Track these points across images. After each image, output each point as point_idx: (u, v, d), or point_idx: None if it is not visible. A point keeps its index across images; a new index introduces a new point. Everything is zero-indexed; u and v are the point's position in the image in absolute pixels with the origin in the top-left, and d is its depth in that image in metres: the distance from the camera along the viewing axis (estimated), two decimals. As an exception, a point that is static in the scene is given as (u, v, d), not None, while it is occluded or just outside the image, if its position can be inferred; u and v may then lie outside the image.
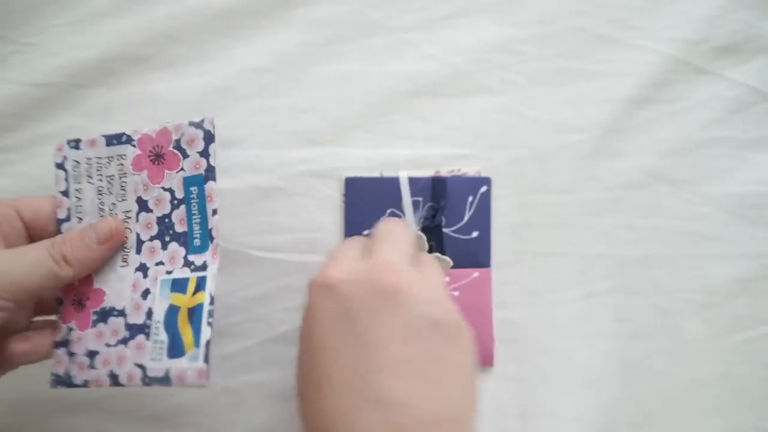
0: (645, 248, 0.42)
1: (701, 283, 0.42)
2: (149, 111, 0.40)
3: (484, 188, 0.41)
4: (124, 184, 0.33)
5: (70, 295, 0.34)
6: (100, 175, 0.33)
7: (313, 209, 0.41)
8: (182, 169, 0.31)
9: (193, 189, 0.31)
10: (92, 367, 0.33)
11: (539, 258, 0.41)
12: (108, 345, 0.32)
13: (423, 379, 0.27)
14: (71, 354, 0.33)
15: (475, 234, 0.41)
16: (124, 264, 0.33)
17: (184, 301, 0.31)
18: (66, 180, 0.34)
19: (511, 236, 0.41)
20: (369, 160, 0.41)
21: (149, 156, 0.32)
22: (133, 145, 0.32)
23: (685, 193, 0.42)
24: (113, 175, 0.33)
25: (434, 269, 0.33)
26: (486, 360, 0.41)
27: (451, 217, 0.41)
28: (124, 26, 0.40)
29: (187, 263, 0.31)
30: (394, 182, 0.41)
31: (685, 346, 0.41)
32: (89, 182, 0.33)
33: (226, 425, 0.40)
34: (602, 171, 0.42)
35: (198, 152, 0.31)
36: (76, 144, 0.34)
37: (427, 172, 0.41)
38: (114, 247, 0.33)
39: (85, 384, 0.33)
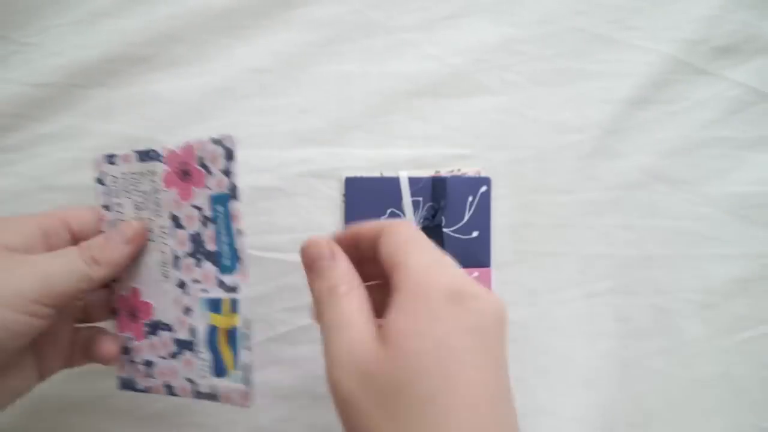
0: (645, 248, 0.42)
1: (701, 283, 0.42)
2: (150, 111, 0.40)
3: (484, 188, 0.41)
4: (157, 200, 0.32)
5: (124, 307, 0.34)
6: (136, 190, 0.33)
7: (313, 209, 0.41)
8: (208, 187, 0.30)
9: (219, 208, 0.30)
10: (150, 375, 0.33)
11: (539, 258, 0.41)
12: (162, 357, 0.33)
13: None
14: (131, 361, 0.34)
15: (475, 234, 0.41)
16: (166, 279, 0.32)
17: (221, 321, 0.30)
18: (106, 194, 0.34)
19: (511, 236, 0.41)
20: (369, 160, 0.41)
21: (177, 173, 0.31)
22: (162, 162, 0.32)
23: (685, 193, 0.42)
24: (147, 191, 0.32)
25: None
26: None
27: (451, 217, 0.41)
28: (124, 26, 0.40)
29: (220, 283, 0.30)
30: (394, 182, 0.41)
31: (684, 345, 0.42)
32: (127, 197, 0.33)
33: (227, 425, 0.40)
34: (602, 171, 0.42)
35: (220, 170, 0.29)
36: (111, 159, 0.33)
37: (427, 172, 0.41)
38: (138, 247, 0.33)
39: (147, 390, 0.34)
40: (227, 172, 0.29)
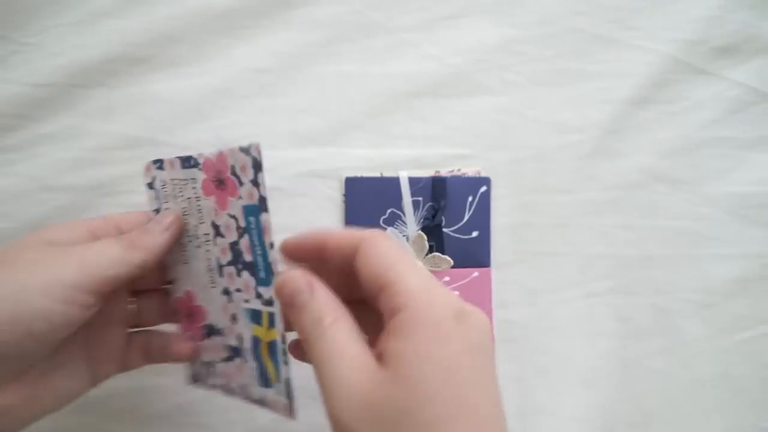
0: (644, 248, 0.42)
1: (701, 283, 0.42)
2: (150, 111, 0.40)
3: (483, 188, 0.41)
4: (199, 207, 0.32)
5: (182, 309, 0.34)
6: (182, 196, 0.33)
7: (313, 209, 0.41)
8: (240, 196, 0.30)
9: (251, 219, 0.29)
10: (215, 374, 0.34)
11: (539, 258, 0.41)
12: (220, 359, 0.33)
13: None
14: (197, 359, 0.35)
15: (475, 234, 0.41)
16: (213, 285, 0.32)
17: (262, 333, 0.30)
18: (157, 199, 0.34)
19: (511, 236, 0.41)
20: (369, 160, 0.41)
21: (213, 181, 0.31)
22: (200, 169, 0.31)
23: (685, 193, 0.42)
24: (191, 197, 0.32)
25: None
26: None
27: (451, 217, 0.41)
28: (124, 27, 0.40)
29: (258, 295, 0.30)
30: (394, 182, 0.41)
31: (684, 345, 0.42)
32: (174, 202, 0.33)
33: (226, 425, 0.40)
34: (602, 171, 0.42)
35: (250, 180, 0.29)
36: (160, 165, 0.33)
37: (427, 172, 0.41)
38: (175, 235, 0.32)
39: (213, 388, 0.34)
40: (256, 183, 0.28)
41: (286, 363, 0.29)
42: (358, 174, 0.41)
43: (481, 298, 0.41)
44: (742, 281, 0.42)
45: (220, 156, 0.30)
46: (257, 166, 0.28)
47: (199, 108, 0.40)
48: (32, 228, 0.39)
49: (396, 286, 0.25)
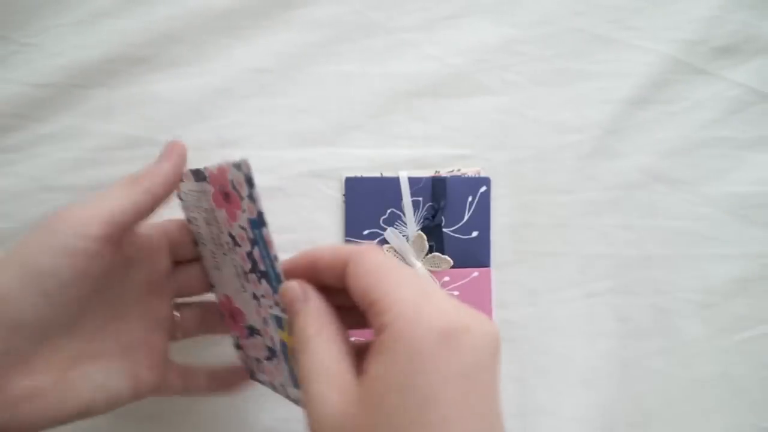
0: (644, 248, 0.42)
1: (700, 283, 0.42)
2: (150, 111, 0.40)
3: (483, 188, 0.41)
4: (216, 218, 0.32)
5: (225, 310, 0.35)
6: (201, 206, 0.33)
7: (313, 209, 0.41)
8: (243, 209, 0.30)
9: (257, 232, 0.29)
10: (262, 371, 0.34)
11: (539, 258, 0.41)
12: (264, 357, 0.33)
13: None
14: (247, 356, 0.35)
15: (474, 234, 0.41)
16: (244, 290, 0.32)
17: (286, 338, 0.30)
18: (185, 209, 0.34)
19: (511, 236, 0.41)
20: (369, 160, 0.41)
21: (221, 194, 0.31)
22: (208, 182, 0.31)
23: (685, 193, 0.42)
24: (207, 209, 0.32)
25: None
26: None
27: (451, 217, 0.41)
28: (124, 27, 0.40)
29: (276, 302, 0.30)
30: (394, 182, 0.41)
31: (684, 345, 0.42)
32: (198, 212, 0.33)
33: (227, 425, 0.40)
34: (602, 171, 0.42)
35: (246, 196, 0.29)
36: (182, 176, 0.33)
37: (427, 172, 0.41)
38: (177, 164, 0.31)
39: (264, 384, 0.35)
40: (252, 198, 0.28)
41: None
42: (358, 174, 0.41)
43: (481, 298, 0.41)
44: (742, 281, 0.42)
45: (220, 169, 0.30)
46: (250, 183, 0.28)
47: (199, 108, 0.40)
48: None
49: (381, 304, 0.24)
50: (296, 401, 0.32)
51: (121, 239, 0.30)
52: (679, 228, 0.42)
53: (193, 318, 0.35)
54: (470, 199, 0.41)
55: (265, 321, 0.32)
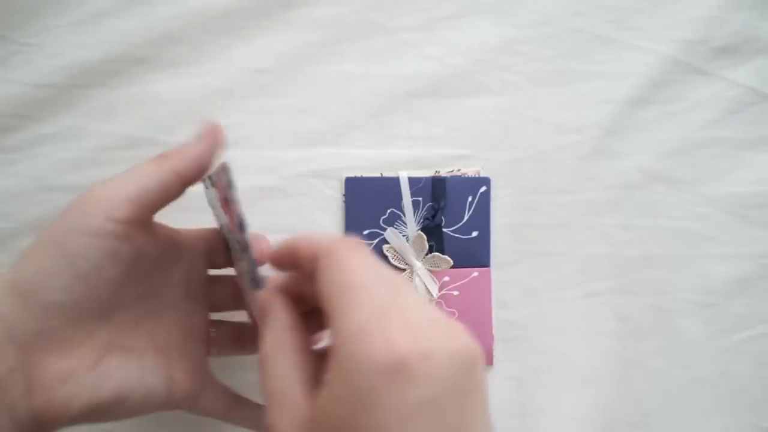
0: (644, 248, 0.42)
1: (700, 282, 0.42)
2: (150, 111, 0.40)
3: (483, 188, 0.41)
4: (227, 222, 0.32)
5: (252, 320, 0.34)
6: (219, 212, 0.33)
7: (313, 209, 0.41)
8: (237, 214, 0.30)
9: (246, 236, 0.29)
10: None
11: (539, 258, 0.41)
12: None
13: None
14: None
15: (474, 234, 0.41)
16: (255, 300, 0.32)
17: None
18: (212, 209, 0.34)
19: (511, 236, 0.41)
20: (369, 160, 0.41)
21: (221, 200, 0.31)
22: (215, 188, 0.31)
23: (684, 193, 0.42)
24: (219, 215, 0.32)
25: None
26: (485, 359, 0.41)
27: (451, 217, 0.41)
28: (125, 27, 0.40)
29: None
30: (394, 182, 0.41)
31: (684, 345, 0.42)
32: (216, 215, 0.33)
33: (227, 425, 0.40)
34: (601, 171, 0.42)
35: (231, 200, 0.29)
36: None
37: (427, 172, 0.41)
38: (210, 146, 0.30)
39: None
40: (234, 201, 0.28)
41: None
42: (358, 174, 0.41)
43: (480, 298, 0.41)
44: (742, 281, 0.42)
45: (217, 173, 0.30)
46: (230, 185, 0.28)
47: (199, 108, 0.40)
48: (32, 228, 0.39)
49: (333, 323, 0.22)
50: None
51: (150, 222, 0.30)
52: (679, 228, 0.42)
53: (228, 335, 0.35)
54: (470, 199, 0.41)
55: None
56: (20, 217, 0.39)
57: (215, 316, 0.35)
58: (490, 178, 0.41)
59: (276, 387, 0.23)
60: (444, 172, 0.41)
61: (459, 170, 0.41)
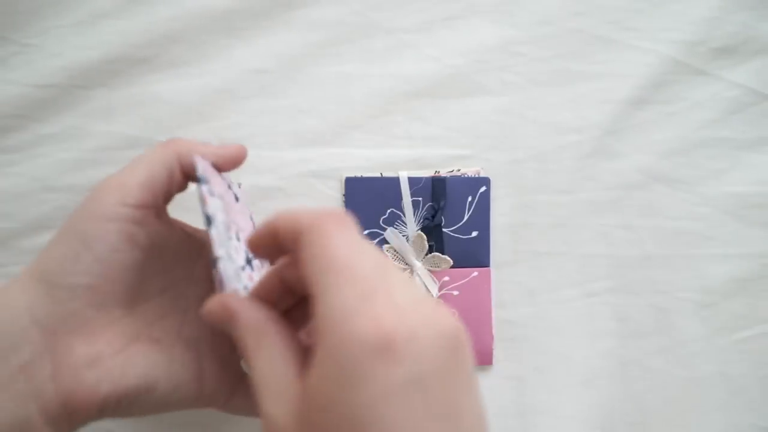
0: (643, 248, 0.42)
1: (699, 282, 0.42)
2: (150, 112, 0.40)
3: (483, 188, 0.41)
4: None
5: None
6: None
7: (314, 209, 0.41)
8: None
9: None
10: None
11: (538, 258, 0.42)
12: None
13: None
14: None
15: (474, 234, 0.41)
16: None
17: None
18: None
19: (511, 236, 0.42)
20: (369, 160, 0.41)
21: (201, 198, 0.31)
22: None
23: (684, 193, 0.42)
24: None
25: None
26: (485, 359, 0.41)
27: (451, 217, 0.41)
28: (125, 27, 0.40)
29: None
30: (394, 182, 0.41)
31: (683, 345, 0.42)
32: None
33: (229, 425, 0.40)
34: (601, 171, 0.42)
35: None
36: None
37: (427, 172, 0.41)
38: (223, 154, 0.31)
39: None
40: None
41: None
42: (358, 174, 0.41)
43: (480, 298, 0.41)
44: (741, 281, 0.42)
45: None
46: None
47: (199, 109, 0.40)
48: (33, 228, 0.39)
49: (316, 304, 0.22)
50: None
51: (163, 211, 0.31)
52: (679, 228, 0.42)
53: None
54: (470, 199, 0.41)
55: None
56: (21, 217, 0.39)
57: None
58: (490, 178, 0.41)
59: (263, 377, 0.23)
60: (444, 172, 0.41)
61: (459, 170, 0.41)
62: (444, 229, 0.41)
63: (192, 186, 0.32)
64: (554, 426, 0.41)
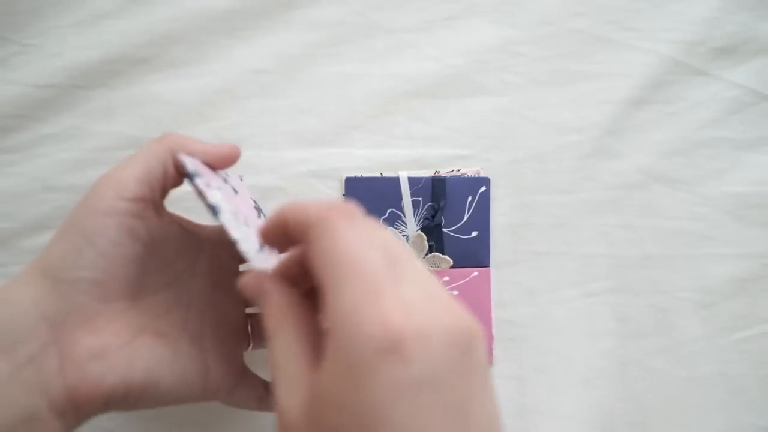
0: (643, 248, 0.42)
1: (699, 282, 0.42)
2: (151, 112, 0.40)
3: (483, 188, 0.41)
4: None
5: None
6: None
7: (314, 209, 0.41)
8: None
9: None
10: None
11: (538, 258, 0.42)
12: None
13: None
14: None
15: (474, 234, 0.41)
16: None
17: None
18: None
19: (511, 236, 0.42)
20: (369, 160, 0.41)
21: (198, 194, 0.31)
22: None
23: (683, 193, 0.42)
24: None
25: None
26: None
27: (451, 217, 0.41)
28: (125, 28, 0.40)
29: None
30: (394, 182, 0.41)
31: (683, 345, 0.42)
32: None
33: (229, 425, 0.40)
34: (601, 171, 0.42)
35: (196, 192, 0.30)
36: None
37: (427, 172, 0.41)
38: (216, 153, 0.31)
39: None
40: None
41: None
42: (358, 174, 0.41)
43: (480, 298, 0.41)
44: (741, 281, 0.42)
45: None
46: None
47: (199, 109, 0.41)
48: (33, 228, 0.39)
49: (326, 299, 0.21)
50: None
51: (161, 205, 0.31)
52: (678, 228, 0.42)
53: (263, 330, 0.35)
54: (470, 199, 0.41)
55: None
56: (21, 217, 0.39)
57: (252, 310, 0.35)
58: (490, 178, 0.41)
59: (280, 360, 0.23)
60: (444, 172, 0.41)
61: (459, 170, 0.41)
62: (444, 229, 0.41)
63: (189, 185, 0.32)
64: (554, 426, 0.41)
